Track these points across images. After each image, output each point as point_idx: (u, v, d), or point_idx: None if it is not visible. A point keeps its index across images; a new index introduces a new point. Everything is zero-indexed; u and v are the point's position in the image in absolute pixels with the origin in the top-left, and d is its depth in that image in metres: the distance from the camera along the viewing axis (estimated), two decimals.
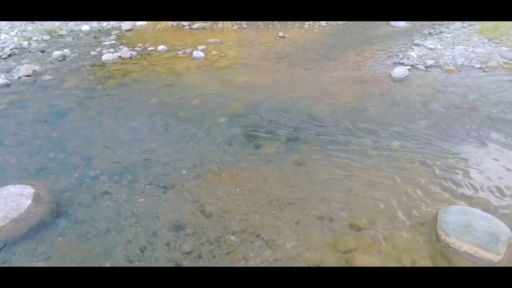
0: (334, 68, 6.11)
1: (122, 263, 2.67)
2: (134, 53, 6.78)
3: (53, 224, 3.00)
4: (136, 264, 2.67)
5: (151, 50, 6.96)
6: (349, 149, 3.97)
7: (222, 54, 6.73)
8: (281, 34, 7.83)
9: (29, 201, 2.93)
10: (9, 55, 7.25)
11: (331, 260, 2.66)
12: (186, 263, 2.67)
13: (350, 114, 4.69)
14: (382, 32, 7.90)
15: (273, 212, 3.15)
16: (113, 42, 7.58)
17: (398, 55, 6.41)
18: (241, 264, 2.65)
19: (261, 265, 2.64)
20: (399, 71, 5.59)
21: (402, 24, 8.20)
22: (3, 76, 5.82)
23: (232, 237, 2.90)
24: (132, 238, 2.90)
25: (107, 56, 6.55)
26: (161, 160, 3.86)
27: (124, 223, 3.05)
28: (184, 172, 3.69)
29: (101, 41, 7.64)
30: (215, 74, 5.97)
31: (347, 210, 3.12)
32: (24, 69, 5.87)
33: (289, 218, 3.07)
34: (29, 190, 3.03)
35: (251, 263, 2.65)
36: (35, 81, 5.66)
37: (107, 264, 2.66)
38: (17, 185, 3.11)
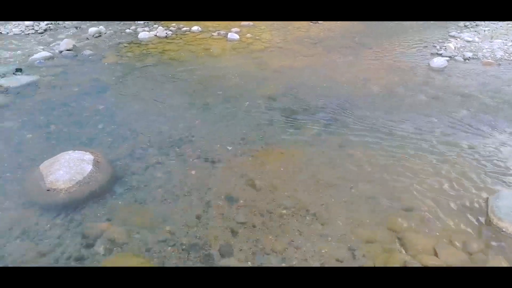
0: (370, 55, 6.12)
1: (181, 228, 2.79)
2: (169, 32, 6.86)
3: (112, 189, 3.13)
4: (194, 230, 2.78)
5: (186, 30, 7.03)
6: (390, 134, 4.03)
7: (256, 37, 6.78)
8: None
9: (91, 167, 3.06)
10: (45, 30, 7.40)
11: (382, 237, 2.74)
12: (241, 232, 2.78)
13: (389, 100, 4.73)
14: (416, 23, 7.85)
15: (321, 190, 3.23)
16: (147, 21, 7.66)
17: (435, 46, 6.39)
18: (296, 236, 2.75)
19: (313, 239, 2.74)
20: (438, 62, 5.59)
21: None
22: (44, 49, 5.96)
23: (283, 211, 3.00)
24: (187, 206, 3.02)
25: (143, 35, 6.64)
26: (205, 137, 3.96)
27: (178, 193, 3.16)
28: (229, 148, 3.79)
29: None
30: (250, 56, 6.03)
31: (394, 192, 3.19)
32: (65, 43, 5.99)
33: (337, 197, 3.15)
34: (88, 156, 3.16)
35: (304, 236, 2.75)
36: (76, 55, 5.78)
37: (167, 229, 2.78)
38: (76, 150, 3.24)
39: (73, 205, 2.89)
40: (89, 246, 2.61)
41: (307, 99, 4.80)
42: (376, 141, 3.90)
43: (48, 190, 2.85)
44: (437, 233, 2.76)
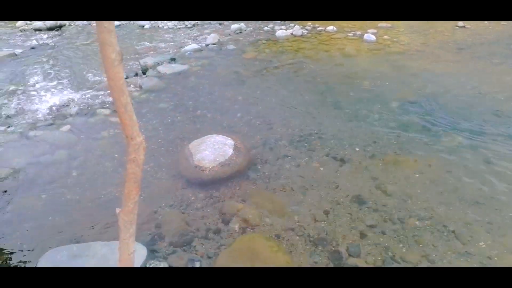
0: None
1: (309, 220, 2.86)
2: (305, 31, 7.01)
3: (246, 173, 3.36)
4: (321, 225, 2.82)
5: (321, 30, 7.09)
6: None
7: (394, 39, 6.48)
8: (460, 23, 7.15)
9: (231, 151, 3.33)
10: (193, 25, 8.23)
11: None
12: (370, 235, 2.72)
13: None
14: None
15: (462, 207, 2.96)
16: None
17: None
18: (430, 250, 2.58)
19: (451, 257, 2.53)
20: None
21: None
22: (193, 42, 6.65)
23: (417, 222, 2.84)
24: (315, 200, 3.07)
25: (280, 33, 6.91)
26: (335, 135, 3.96)
27: (306, 186, 3.23)
28: (357, 149, 3.73)
29: None
30: (387, 59, 5.80)
31: None
32: (211, 38, 6.60)
33: (480, 216, 2.85)
34: (230, 141, 3.44)
35: (440, 252, 2.56)
36: (221, 49, 6.32)
37: (296, 219, 2.88)
38: (219, 135, 3.55)
39: (214, 183, 3.19)
40: (226, 222, 2.85)
41: (449, 107, 4.43)
42: None
43: (195, 166, 3.20)
44: None
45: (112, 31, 1.21)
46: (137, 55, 6.48)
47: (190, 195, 3.12)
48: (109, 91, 4.88)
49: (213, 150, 3.30)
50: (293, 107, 4.53)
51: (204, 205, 3.02)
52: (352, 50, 6.14)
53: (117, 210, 1.64)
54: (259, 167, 3.48)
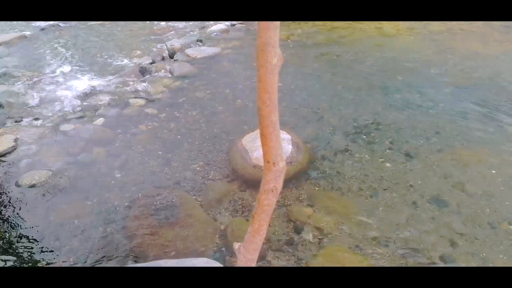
0: None
1: (389, 227, 2.56)
2: None
3: (306, 172, 3.04)
4: (405, 232, 2.53)
5: None
6: None
7: None
8: None
9: (290, 147, 3.00)
10: None
11: None
12: (462, 244, 2.44)
13: None
14: None
15: None
16: None
17: None
18: None
19: None
20: None
21: None
22: (218, 22, 6.20)
23: (510, 226, 2.55)
24: (390, 203, 2.77)
25: None
26: (392, 125, 3.63)
27: (375, 186, 2.93)
28: (422, 142, 3.41)
29: None
30: (429, 38, 5.40)
31: None
32: None
33: None
34: (287, 136, 3.11)
35: None
36: (248, 29, 5.88)
37: (374, 226, 2.58)
38: None
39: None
40: (298, 230, 2.55)
41: (506, 92, 4.10)
42: None
43: (254, 166, 2.87)
44: None
45: (278, 28, 0.86)
46: (156, 36, 6.05)
47: (250, 198, 2.81)
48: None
49: None
50: (339, 94, 4.17)
51: None
52: (390, 29, 5.72)
53: (236, 245, 1.33)
54: (317, 164, 3.16)
